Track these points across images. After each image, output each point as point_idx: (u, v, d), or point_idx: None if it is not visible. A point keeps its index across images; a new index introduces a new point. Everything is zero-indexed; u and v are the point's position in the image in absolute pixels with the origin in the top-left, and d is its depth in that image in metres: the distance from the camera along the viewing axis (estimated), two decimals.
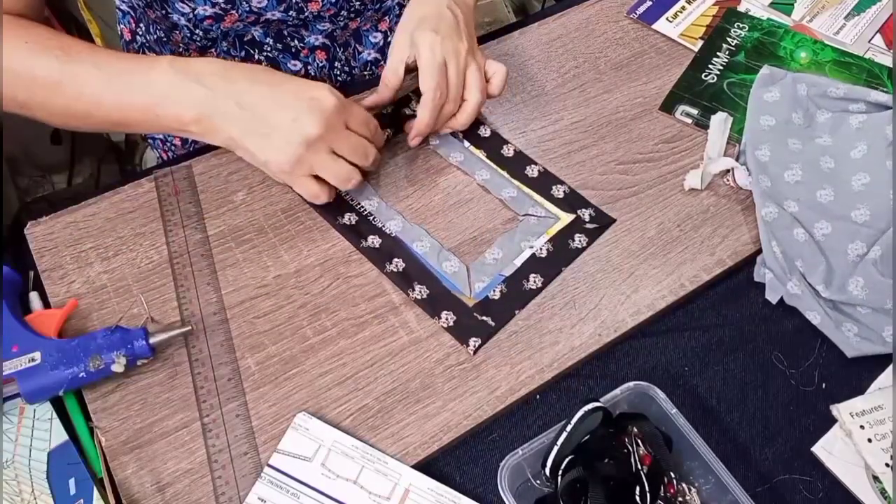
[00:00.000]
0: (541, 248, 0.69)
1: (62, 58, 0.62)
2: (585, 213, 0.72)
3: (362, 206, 0.72)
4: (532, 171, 0.75)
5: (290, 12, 0.79)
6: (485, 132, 0.78)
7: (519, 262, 0.69)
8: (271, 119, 0.62)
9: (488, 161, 0.76)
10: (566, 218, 0.72)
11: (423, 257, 0.68)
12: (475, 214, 0.72)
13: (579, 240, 0.70)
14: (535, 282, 0.67)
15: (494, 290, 0.67)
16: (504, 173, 0.75)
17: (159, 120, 0.63)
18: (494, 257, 0.69)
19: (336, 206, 0.71)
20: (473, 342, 0.63)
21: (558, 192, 0.73)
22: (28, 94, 0.63)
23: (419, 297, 0.66)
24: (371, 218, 0.71)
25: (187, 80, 0.62)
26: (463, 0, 0.74)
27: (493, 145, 0.77)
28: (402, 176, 0.75)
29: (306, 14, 0.80)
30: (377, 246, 0.69)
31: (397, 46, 0.72)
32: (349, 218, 0.71)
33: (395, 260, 0.68)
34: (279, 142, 0.62)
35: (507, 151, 0.76)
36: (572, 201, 0.73)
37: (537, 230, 0.71)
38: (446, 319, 0.65)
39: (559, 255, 0.69)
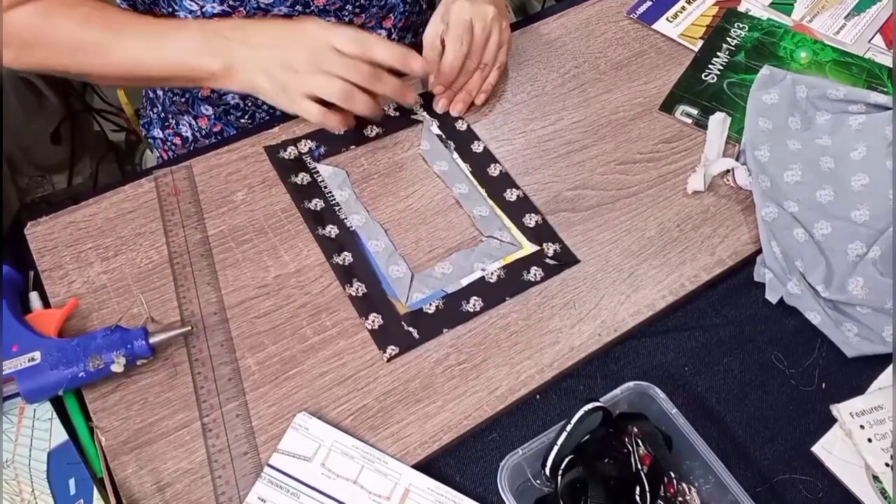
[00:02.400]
0: (492, 273, 0.68)
1: (110, 28, 0.72)
2: (550, 248, 0.70)
3: (332, 196, 0.72)
4: (511, 195, 0.73)
5: (297, 7, 0.79)
6: (477, 147, 0.77)
7: (465, 282, 0.67)
8: (268, 55, 0.70)
9: (471, 176, 0.75)
10: (529, 248, 0.70)
11: (373, 256, 0.68)
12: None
13: (535, 273, 0.68)
14: (474, 305, 0.66)
15: (430, 304, 0.65)
16: (482, 191, 0.74)
17: (195, 72, 0.72)
18: (443, 272, 0.67)
19: (307, 189, 0.72)
20: (391, 350, 0.63)
21: (530, 221, 0.71)
22: (70, 60, 0.73)
23: (354, 293, 0.65)
24: (337, 208, 0.71)
25: (211, 36, 0.72)
26: None
27: (481, 161, 0.76)
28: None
29: (312, 8, 0.81)
30: (332, 236, 0.69)
31: (432, 22, 0.78)
32: (316, 203, 0.71)
33: (345, 253, 0.68)
34: (274, 71, 0.70)
35: (493, 171, 0.75)
36: (541, 233, 0.71)
37: (495, 254, 0.69)
38: (373, 321, 0.64)
39: (508, 284, 0.67)
